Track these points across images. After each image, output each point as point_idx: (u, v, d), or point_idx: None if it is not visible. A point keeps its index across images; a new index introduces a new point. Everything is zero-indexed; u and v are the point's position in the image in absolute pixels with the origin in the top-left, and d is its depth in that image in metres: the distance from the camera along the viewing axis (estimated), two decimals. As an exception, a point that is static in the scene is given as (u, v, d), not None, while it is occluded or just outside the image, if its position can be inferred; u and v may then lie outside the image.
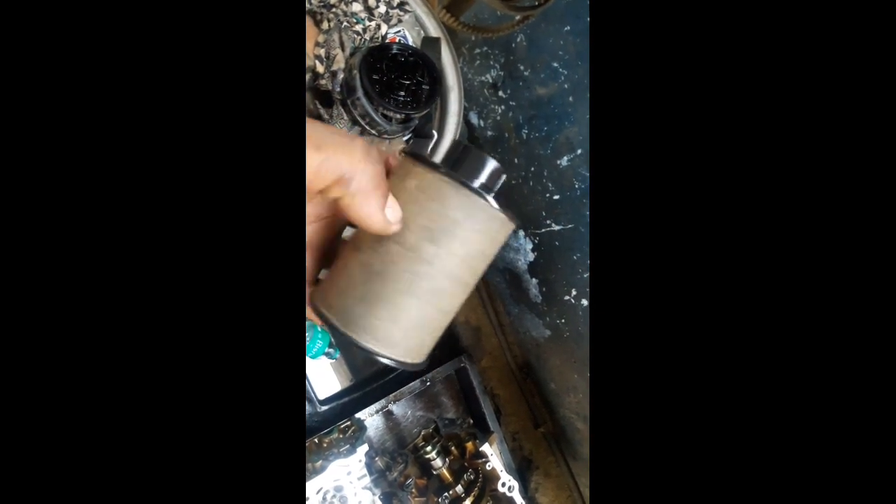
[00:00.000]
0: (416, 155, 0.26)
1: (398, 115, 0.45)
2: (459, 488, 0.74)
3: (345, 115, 0.45)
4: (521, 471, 0.94)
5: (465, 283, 0.27)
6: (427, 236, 0.25)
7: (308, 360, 0.81)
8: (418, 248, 0.25)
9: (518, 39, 0.72)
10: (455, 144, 0.28)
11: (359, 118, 0.44)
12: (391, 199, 0.25)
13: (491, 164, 0.27)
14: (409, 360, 0.27)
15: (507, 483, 0.74)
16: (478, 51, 0.80)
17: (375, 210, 0.25)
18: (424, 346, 0.28)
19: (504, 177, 0.28)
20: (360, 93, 0.43)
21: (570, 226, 0.75)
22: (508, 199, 0.81)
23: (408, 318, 0.26)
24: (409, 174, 0.26)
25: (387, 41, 0.49)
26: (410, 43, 0.53)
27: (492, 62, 0.78)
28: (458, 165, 0.27)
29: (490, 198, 0.25)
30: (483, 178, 0.27)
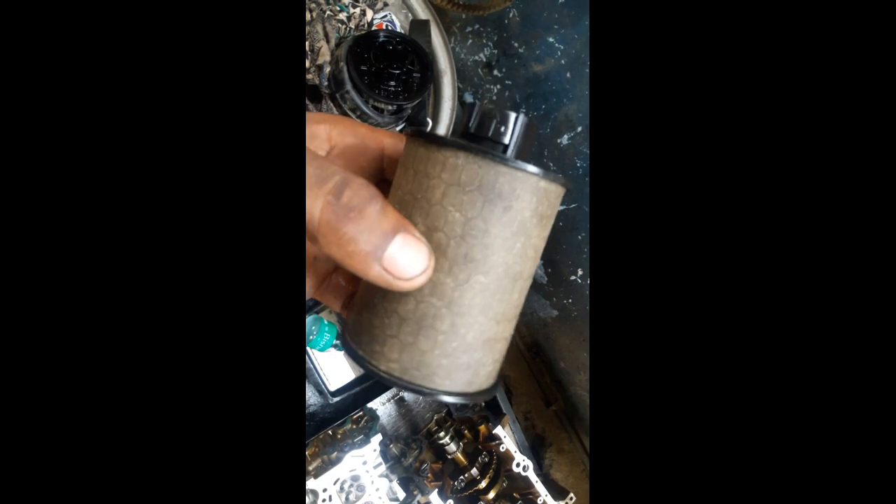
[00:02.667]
0: (422, 134, 0.21)
1: (390, 107, 0.44)
2: (475, 471, 0.75)
3: (334, 109, 0.43)
4: (535, 448, 0.95)
5: (523, 278, 0.22)
6: (457, 242, 0.20)
7: (318, 353, 0.82)
8: (450, 264, 0.20)
9: (511, 15, 0.69)
10: (469, 108, 0.22)
11: (349, 112, 0.43)
12: (403, 241, 0.18)
13: (521, 122, 0.21)
14: (474, 390, 0.22)
15: (522, 463, 0.75)
16: (469, 29, 0.77)
17: (366, 263, 0.18)
18: (488, 366, 0.23)
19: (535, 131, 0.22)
20: (348, 86, 0.41)
21: (573, 205, 0.74)
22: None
23: (460, 346, 0.21)
24: (417, 159, 0.21)
25: (373, 28, 0.47)
26: (398, 28, 0.51)
27: (485, 40, 0.75)
28: (478, 133, 0.21)
29: (537, 169, 0.20)
30: (515, 139, 0.21)
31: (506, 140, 0.21)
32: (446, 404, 0.88)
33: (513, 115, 0.21)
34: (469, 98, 0.85)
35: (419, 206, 0.21)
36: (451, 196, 0.20)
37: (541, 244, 0.22)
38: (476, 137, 0.21)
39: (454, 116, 0.57)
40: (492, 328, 0.22)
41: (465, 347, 0.21)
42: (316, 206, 0.19)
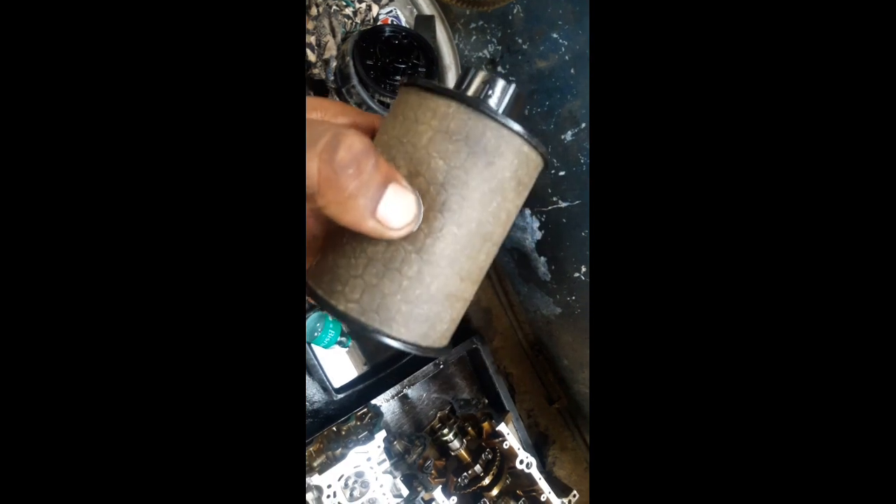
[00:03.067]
0: (418, 81, 0.21)
1: (395, 101, 0.44)
2: (478, 468, 0.75)
3: (340, 104, 0.44)
4: (538, 446, 0.95)
5: (492, 242, 0.22)
6: (436, 189, 0.20)
7: (322, 350, 0.82)
8: (427, 210, 0.21)
9: (515, 11, 0.69)
10: (464, 71, 0.22)
11: (355, 107, 0.43)
12: (393, 193, 0.19)
13: (511, 90, 0.21)
14: (426, 345, 0.22)
15: (525, 460, 0.75)
16: (473, 25, 0.77)
17: (361, 217, 0.19)
18: (445, 324, 0.23)
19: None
20: (354, 80, 0.41)
21: (577, 202, 0.74)
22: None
23: (423, 295, 0.21)
24: (409, 105, 0.21)
25: (379, 23, 0.47)
26: (403, 23, 0.51)
27: (489, 37, 0.75)
28: (470, 94, 0.21)
29: (524, 131, 0.21)
30: (504, 104, 0.21)
31: (493, 104, 0.21)
32: (449, 403, 0.88)
33: (502, 83, 0.21)
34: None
35: (404, 150, 0.21)
36: (437, 143, 0.20)
37: (514, 211, 0.22)
38: (468, 98, 0.21)
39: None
40: (456, 284, 0.22)
41: (427, 297, 0.21)
42: (312, 166, 0.18)
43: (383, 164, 0.19)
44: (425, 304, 0.21)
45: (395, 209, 0.19)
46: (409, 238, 0.21)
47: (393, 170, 0.20)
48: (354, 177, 0.18)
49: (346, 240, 0.22)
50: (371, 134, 0.25)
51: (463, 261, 0.21)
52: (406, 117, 0.21)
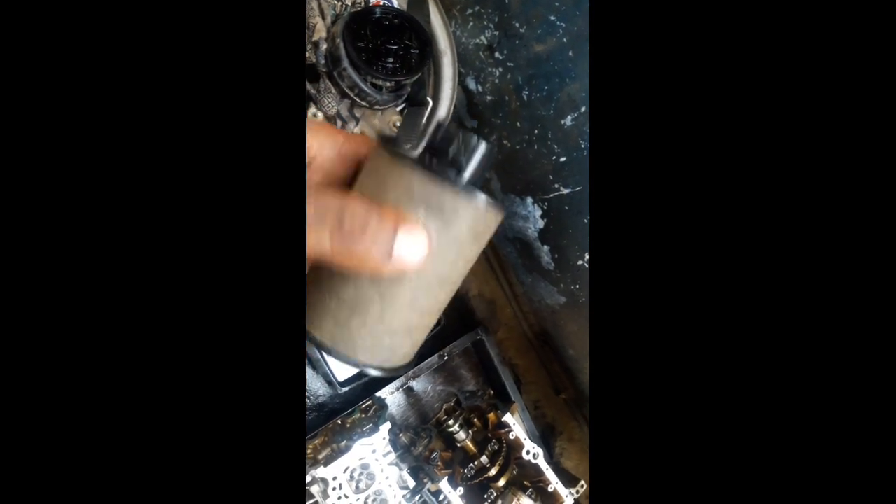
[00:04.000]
0: (391, 144, 0.24)
1: (388, 83, 0.43)
2: (484, 458, 0.74)
3: (332, 88, 0.43)
4: (545, 437, 0.94)
5: (451, 283, 0.25)
6: None
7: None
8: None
9: (511, -6, 0.68)
10: (437, 126, 0.25)
11: (347, 90, 0.42)
12: (404, 235, 0.20)
13: (480, 149, 0.24)
14: (389, 366, 0.26)
15: (532, 451, 0.74)
16: (469, 11, 0.76)
17: (378, 265, 0.20)
18: (406, 348, 0.26)
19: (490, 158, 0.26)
20: (345, 63, 0.41)
21: (578, 188, 0.73)
22: (513, 166, 0.79)
23: (385, 330, 0.24)
24: (380, 164, 0.24)
25: (370, 4, 0.46)
26: (395, 5, 0.51)
27: (485, 22, 0.74)
28: (440, 151, 0.24)
29: (480, 195, 0.23)
30: (471, 167, 0.24)
31: (463, 162, 0.23)
32: (454, 394, 0.87)
33: (474, 141, 0.24)
34: (471, 84, 0.84)
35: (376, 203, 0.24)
36: (401, 202, 0.22)
37: (473, 256, 0.25)
38: (438, 153, 0.24)
39: (455, 98, 0.56)
40: (415, 319, 0.25)
41: (388, 332, 0.24)
42: (323, 240, 0.20)
43: (388, 213, 0.20)
44: (387, 336, 0.25)
45: (409, 248, 0.20)
46: (374, 284, 0.23)
47: (397, 213, 0.21)
48: (361, 238, 0.20)
49: (322, 278, 0.25)
50: (356, 160, 0.26)
51: (422, 301, 0.24)
52: (378, 173, 0.24)
